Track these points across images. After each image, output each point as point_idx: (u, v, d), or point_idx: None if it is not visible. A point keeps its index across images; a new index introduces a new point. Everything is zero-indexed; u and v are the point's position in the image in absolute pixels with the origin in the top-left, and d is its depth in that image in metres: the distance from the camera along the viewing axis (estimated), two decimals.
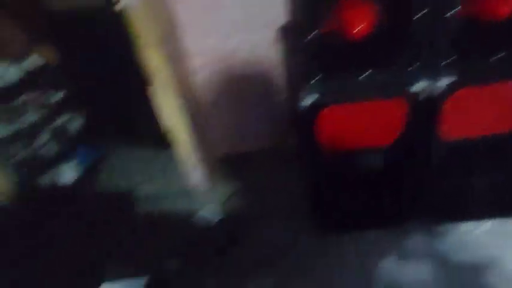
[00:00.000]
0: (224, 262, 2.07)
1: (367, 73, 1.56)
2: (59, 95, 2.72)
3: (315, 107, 1.61)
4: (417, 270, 1.82)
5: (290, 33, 1.99)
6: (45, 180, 2.62)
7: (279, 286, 1.88)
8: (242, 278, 1.94)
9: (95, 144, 3.13)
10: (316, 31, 1.53)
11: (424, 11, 1.42)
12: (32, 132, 2.45)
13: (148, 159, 3.14)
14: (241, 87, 2.72)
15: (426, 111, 1.65)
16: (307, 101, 1.59)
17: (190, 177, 2.60)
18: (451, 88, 1.55)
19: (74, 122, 2.86)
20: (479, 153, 1.81)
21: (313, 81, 1.60)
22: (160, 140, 3.07)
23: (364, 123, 1.70)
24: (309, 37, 1.52)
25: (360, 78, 1.58)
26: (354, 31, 1.47)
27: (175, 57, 2.32)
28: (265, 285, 1.89)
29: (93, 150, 3.08)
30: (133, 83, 2.70)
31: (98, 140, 3.20)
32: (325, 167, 1.90)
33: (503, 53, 1.51)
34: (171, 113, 2.28)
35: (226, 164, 2.93)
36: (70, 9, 2.75)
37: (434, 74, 1.55)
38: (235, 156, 2.98)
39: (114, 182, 2.95)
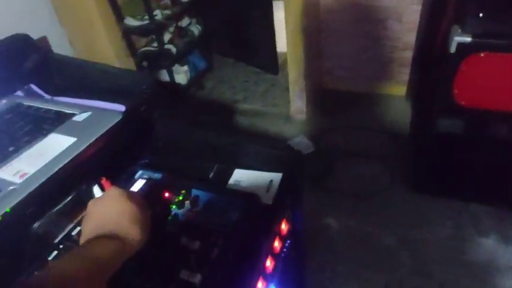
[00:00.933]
0: (312, 189, 2.10)
1: None
2: None
3: (464, 51, 1.39)
4: None
5: None
6: (164, 75, 2.84)
7: (357, 225, 1.87)
8: (323, 210, 1.97)
9: (207, 54, 3.24)
10: None
11: None
12: (158, 28, 2.60)
13: (250, 79, 3.18)
14: (367, 19, 2.48)
15: None
16: (459, 41, 1.36)
17: (293, 104, 2.58)
18: None
19: (193, 27, 2.95)
20: None
21: (472, 18, 1.35)
22: (270, 63, 3.08)
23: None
24: None
25: None
26: None
27: None
28: (342, 222, 1.90)
29: (204, 59, 3.20)
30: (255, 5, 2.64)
31: (211, 51, 3.31)
32: (449, 123, 1.70)
33: None
34: (294, 33, 2.19)
35: (331, 98, 2.84)
36: None
37: None
38: (343, 92, 2.86)
39: (217, 92, 3.09)
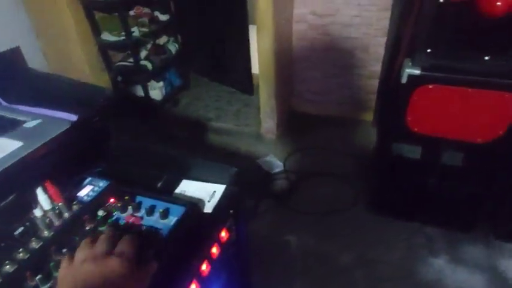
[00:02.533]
0: (276, 207, 2.15)
1: (488, 57, 1.40)
2: (165, 16, 2.88)
3: (414, 82, 1.51)
4: (466, 278, 1.72)
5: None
6: (139, 90, 2.88)
7: (316, 243, 1.92)
8: (285, 228, 2.02)
9: (184, 72, 3.31)
10: None
11: None
12: (134, 44, 2.66)
13: (224, 98, 3.26)
14: (336, 48, 2.62)
15: None
16: (409, 73, 1.49)
17: (264, 123, 2.66)
18: None
19: (170, 45, 3.03)
20: None
21: (421, 53, 1.48)
22: (246, 84, 3.17)
23: (463, 112, 1.56)
24: (434, 3, 1.38)
25: (479, 61, 1.42)
26: (494, 7, 1.30)
27: (284, 1, 2.29)
28: (302, 240, 1.95)
29: (181, 76, 3.27)
30: (233, 22, 2.76)
31: (188, 69, 3.38)
32: (403, 147, 1.81)
33: None
34: (265, 56, 2.30)
35: (302, 120, 2.95)
36: None
37: None
38: (313, 115, 2.97)
39: (191, 110, 3.15)
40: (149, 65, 2.74)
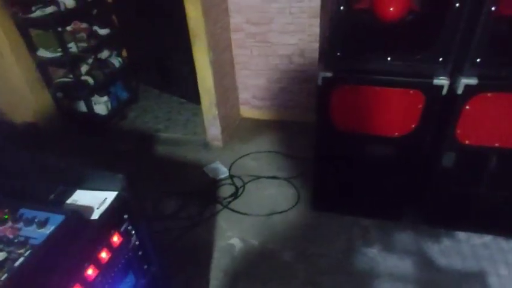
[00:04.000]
0: (222, 212, 2.20)
1: (390, 58, 1.53)
2: (105, 31, 2.88)
3: (330, 84, 1.62)
4: (396, 264, 1.84)
5: (327, 3, 1.96)
6: (82, 106, 2.85)
7: (260, 244, 1.99)
8: (231, 231, 2.07)
9: (131, 85, 3.31)
10: (348, 5, 1.50)
11: (462, 5, 1.35)
12: (75, 59, 2.64)
13: (173, 109, 3.30)
14: (275, 54, 2.73)
15: (445, 108, 1.60)
16: (322, 77, 1.59)
17: (209, 131, 2.71)
18: (474, 89, 1.48)
19: (113, 59, 3.03)
20: (492, 165, 1.74)
21: (332, 57, 1.59)
22: (192, 93, 3.21)
23: (378, 109, 1.68)
24: (340, 9, 1.49)
25: (383, 62, 1.55)
26: (388, 12, 1.43)
27: (216, 12, 2.37)
28: (247, 241, 2.01)
29: (127, 89, 3.26)
30: (176, 33, 2.80)
31: (136, 81, 3.39)
32: (334, 145, 1.92)
33: None
34: (202, 65, 2.36)
35: (248, 125, 3.03)
36: None
37: (459, 71, 1.49)
38: (259, 120, 3.06)
39: (140, 122, 3.15)
40: (91, 80, 2.73)
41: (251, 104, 3.03)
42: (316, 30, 2.51)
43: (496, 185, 1.80)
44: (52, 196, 0.80)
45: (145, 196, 2.34)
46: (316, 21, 2.46)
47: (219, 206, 2.26)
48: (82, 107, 2.84)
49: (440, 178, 1.85)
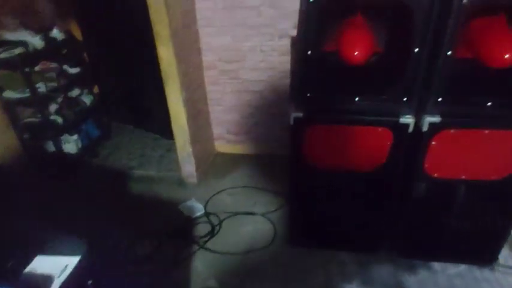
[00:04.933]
0: (198, 252, 2.14)
1: (357, 98, 1.58)
2: (76, 69, 2.85)
3: (301, 124, 1.65)
4: None
5: (296, 46, 2.03)
6: (50, 146, 2.76)
7: (238, 284, 1.93)
8: (207, 272, 2.00)
9: (102, 122, 3.25)
10: (316, 49, 1.56)
11: (421, 49, 1.43)
12: (44, 99, 2.58)
13: (147, 145, 3.25)
14: (248, 90, 2.78)
15: (413, 144, 1.65)
16: (294, 116, 1.62)
17: (183, 168, 2.67)
18: (438, 126, 1.55)
19: (84, 97, 2.98)
20: (461, 196, 1.80)
21: (303, 98, 1.63)
22: (166, 129, 3.19)
23: (349, 147, 1.72)
24: (308, 53, 1.54)
25: (351, 102, 1.60)
26: (353, 56, 1.49)
27: (188, 52, 2.40)
28: (224, 282, 1.94)
29: (99, 127, 3.20)
30: (148, 70, 2.81)
31: (108, 118, 3.33)
32: (308, 182, 1.93)
33: (496, 101, 1.50)
34: (175, 104, 2.36)
35: (223, 161, 3.02)
36: None
37: (423, 110, 1.55)
38: (234, 155, 3.06)
39: (112, 160, 3.07)
40: (59, 120, 2.66)
41: (226, 139, 3.04)
42: (287, 67, 2.58)
43: (465, 215, 1.84)
44: (10, 264, 0.75)
45: (118, 238, 2.24)
46: (287, 59, 2.54)
47: (195, 246, 2.19)
48: (51, 146, 2.74)
49: (412, 210, 1.88)
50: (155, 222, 2.38)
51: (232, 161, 3.00)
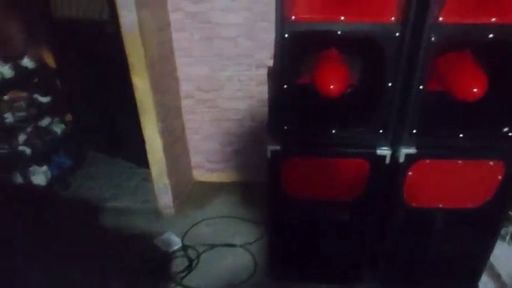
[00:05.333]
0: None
1: (334, 130, 1.59)
2: (46, 98, 2.76)
3: (278, 157, 1.63)
4: None
5: (272, 78, 2.04)
6: (18, 178, 2.62)
7: None
8: None
9: (72, 152, 3.13)
10: (292, 82, 1.57)
11: (394, 84, 1.46)
12: (12, 130, 2.47)
13: (123, 174, 3.15)
14: (226, 119, 2.76)
15: (390, 175, 1.66)
16: (271, 150, 1.61)
17: (160, 200, 2.59)
18: (414, 157, 1.57)
19: (55, 126, 2.88)
20: (439, 224, 1.81)
21: (280, 131, 1.62)
22: (136, 160, 3.12)
23: (327, 178, 1.72)
24: (284, 87, 1.54)
25: (328, 134, 1.60)
26: (329, 88, 1.51)
27: (165, 82, 2.37)
28: None
29: (69, 157, 3.08)
30: (123, 97, 2.76)
31: (75, 148, 3.22)
32: (287, 213, 1.90)
33: (467, 133, 1.54)
34: (151, 135, 2.31)
35: (202, 190, 2.95)
36: (73, 18, 2.83)
37: (399, 141, 1.57)
38: (213, 184, 3.00)
39: (85, 191, 2.95)
40: (28, 150, 2.54)
41: (205, 168, 2.98)
42: (265, 96, 2.59)
43: (444, 243, 1.85)
44: None
45: (90, 275, 2.12)
46: (264, 88, 2.55)
47: (172, 283, 2.09)
48: (18, 178, 2.60)
49: (392, 239, 1.87)
50: (130, 258, 2.27)
51: (211, 189, 2.94)
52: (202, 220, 2.59)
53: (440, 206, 1.74)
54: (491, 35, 1.33)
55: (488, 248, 1.83)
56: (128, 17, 1.94)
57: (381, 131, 1.57)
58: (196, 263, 2.23)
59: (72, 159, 3.09)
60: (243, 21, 2.39)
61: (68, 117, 3.26)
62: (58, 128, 2.88)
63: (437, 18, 1.32)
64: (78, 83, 3.09)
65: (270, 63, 2.32)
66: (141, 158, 3.13)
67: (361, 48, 1.58)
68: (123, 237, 2.47)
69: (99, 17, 2.64)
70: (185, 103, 2.70)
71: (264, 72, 2.49)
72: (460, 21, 1.33)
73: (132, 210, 2.72)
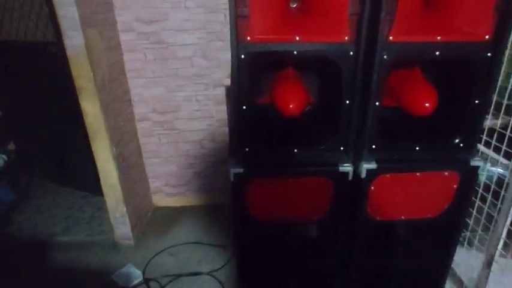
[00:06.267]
0: None
1: (296, 150, 1.57)
2: None
3: (242, 179, 1.58)
4: None
5: (230, 98, 2.00)
6: None
7: None
8: None
9: (16, 184, 2.87)
10: (251, 103, 1.53)
11: (352, 101, 1.48)
12: None
13: (75, 205, 2.93)
14: (185, 141, 2.68)
15: (354, 191, 1.67)
16: (234, 172, 1.55)
17: (117, 230, 2.42)
18: (375, 172, 1.58)
19: None
20: (404, 236, 1.84)
21: (241, 154, 1.58)
22: (90, 188, 2.92)
23: (293, 198, 1.68)
24: (243, 108, 1.51)
25: (290, 154, 1.58)
26: (288, 109, 1.49)
27: (117, 105, 2.25)
28: None
29: (15, 189, 2.82)
30: (71, 122, 2.58)
31: (21, 178, 2.96)
32: (253, 235, 1.83)
33: (423, 146, 1.58)
34: (105, 161, 2.16)
35: (164, 216, 2.81)
36: (12, 41, 2.64)
37: (360, 157, 1.58)
38: (175, 208, 2.88)
39: (32, 225, 2.70)
40: None
41: (164, 192, 2.85)
42: (224, 115, 2.55)
43: (409, 255, 1.88)
44: None
45: None
46: (223, 107, 2.52)
47: None
48: None
49: (361, 253, 1.87)
50: None
51: (172, 215, 2.81)
52: (165, 249, 2.46)
53: (403, 217, 1.76)
54: (437, 52, 1.39)
55: (450, 256, 1.88)
56: (74, 37, 1.83)
57: (341, 148, 1.57)
58: None
59: (16, 192, 2.83)
60: (198, 41, 2.35)
61: (11, 146, 3.00)
62: (0, 160, 2.63)
63: (388, 37, 1.36)
64: (21, 110, 2.86)
65: (228, 82, 2.30)
66: (94, 186, 2.93)
67: (319, 67, 1.59)
68: (76, 274, 2.26)
69: (43, 38, 2.47)
70: (140, 126, 2.59)
71: (222, 91, 2.45)
72: (409, 40, 1.38)
73: (87, 243, 2.52)
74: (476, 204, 1.86)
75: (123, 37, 2.32)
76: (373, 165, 1.57)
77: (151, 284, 2.17)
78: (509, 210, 1.67)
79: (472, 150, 1.59)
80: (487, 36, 1.38)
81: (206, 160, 2.74)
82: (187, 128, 2.61)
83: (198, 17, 2.29)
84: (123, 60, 2.37)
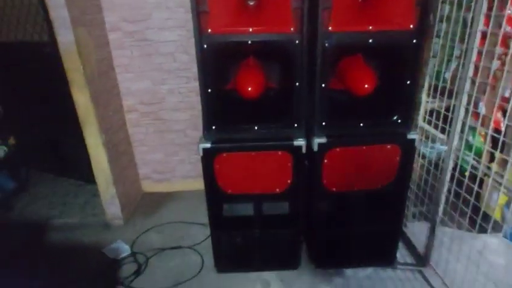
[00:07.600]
0: None
1: (256, 127, 1.82)
2: None
3: (210, 154, 1.83)
4: None
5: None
6: None
7: None
8: None
9: (16, 174, 3.12)
10: (216, 87, 1.78)
11: (301, 83, 1.73)
12: None
13: (70, 192, 3.18)
14: (170, 130, 2.92)
15: (309, 164, 1.92)
16: (202, 147, 1.80)
17: (108, 211, 2.66)
18: (326, 146, 1.83)
19: None
20: (357, 205, 2.07)
21: (209, 130, 1.83)
22: (85, 177, 3.16)
23: (257, 171, 1.93)
24: (208, 91, 1.76)
25: (251, 130, 1.83)
26: (247, 92, 1.73)
27: (106, 96, 2.50)
28: None
29: (14, 178, 3.06)
30: (66, 116, 2.83)
31: (21, 168, 3.20)
32: (223, 208, 2.08)
33: (366, 122, 1.83)
34: (94, 147, 2.41)
35: (151, 200, 3.05)
36: (11, 42, 2.89)
37: (312, 133, 1.83)
38: (161, 193, 3.11)
39: (30, 211, 2.94)
40: None
41: (152, 179, 3.09)
42: None
43: (363, 222, 2.11)
44: None
45: None
46: None
47: (120, 287, 2.17)
48: None
49: (319, 223, 2.11)
50: (78, 270, 2.31)
51: (160, 199, 3.05)
52: (151, 228, 2.69)
53: (355, 188, 2.01)
54: (370, 40, 1.64)
55: (399, 223, 2.12)
56: (66, 34, 2.08)
57: (295, 125, 1.82)
58: (145, 267, 2.32)
59: (16, 181, 3.07)
60: (179, 38, 2.60)
61: (11, 140, 3.24)
62: (1, 151, 2.87)
63: (328, 27, 1.61)
64: (21, 106, 3.11)
65: None
66: (89, 175, 3.17)
67: (274, 55, 1.84)
68: (71, 250, 2.50)
69: (39, 38, 2.72)
70: (129, 116, 2.83)
71: None
72: (346, 29, 1.63)
73: (80, 225, 2.75)
74: (430, 182, 2.08)
75: (111, 36, 2.58)
76: (323, 140, 1.83)
77: (138, 256, 2.40)
78: (446, 178, 1.91)
79: (409, 125, 1.84)
80: (411, 26, 1.63)
81: (190, 148, 2.99)
82: (172, 118, 2.86)
83: (179, 16, 2.55)
84: (112, 57, 2.62)
